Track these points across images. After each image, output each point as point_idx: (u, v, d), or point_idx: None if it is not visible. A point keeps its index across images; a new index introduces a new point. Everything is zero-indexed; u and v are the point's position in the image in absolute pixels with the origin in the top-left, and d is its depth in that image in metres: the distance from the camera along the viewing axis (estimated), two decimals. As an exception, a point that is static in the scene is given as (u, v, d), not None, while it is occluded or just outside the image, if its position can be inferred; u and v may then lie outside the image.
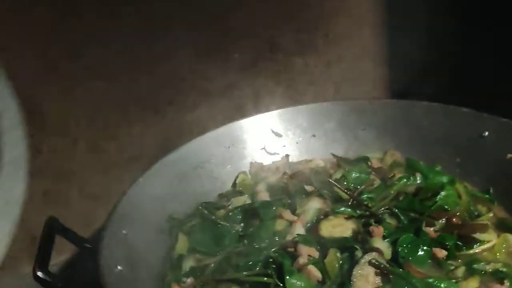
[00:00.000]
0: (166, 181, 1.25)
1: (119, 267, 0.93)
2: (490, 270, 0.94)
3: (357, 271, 0.94)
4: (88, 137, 1.68)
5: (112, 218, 1.03)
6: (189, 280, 1.03)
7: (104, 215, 1.69)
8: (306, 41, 1.95)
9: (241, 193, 1.29)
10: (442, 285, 0.89)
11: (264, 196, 1.24)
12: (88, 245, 0.98)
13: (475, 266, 0.96)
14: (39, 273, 0.79)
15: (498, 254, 0.99)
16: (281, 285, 0.94)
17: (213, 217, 1.19)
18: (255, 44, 1.84)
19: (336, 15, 1.95)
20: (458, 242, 1.01)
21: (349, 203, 1.14)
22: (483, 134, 1.21)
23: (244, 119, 1.45)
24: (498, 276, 0.93)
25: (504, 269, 0.94)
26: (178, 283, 1.03)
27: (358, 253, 0.98)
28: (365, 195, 1.16)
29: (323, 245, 1.03)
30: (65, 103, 1.61)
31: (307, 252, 1.01)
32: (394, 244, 1.01)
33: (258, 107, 1.64)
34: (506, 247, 1.00)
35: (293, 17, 1.84)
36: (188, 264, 1.08)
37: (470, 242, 1.01)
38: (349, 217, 1.10)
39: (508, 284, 0.90)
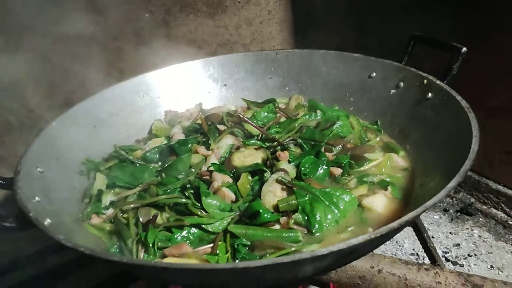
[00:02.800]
0: (81, 126, 1.26)
1: (36, 198, 0.95)
2: (377, 180, 1.11)
3: (266, 188, 1.05)
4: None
5: (26, 156, 1.03)
6: (109, 211, 1.08)
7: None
8: (216, 3, 2.03)
9: (157, 136, 1.34)
10: (337, 193, 1.03)
11: (180, 137, 1.30)
12: (1, 181, 0.98)
13: (364, 179, 1.12)
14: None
15: (383, 168, 1.16)
16: (199, 205, 1.02)
17: (130, 157, 1.24)
18: (164, 3, 1.88)
19: (243, -21, 2.05)
20: (351, 161, 1.16)
21: (259, 138, 1.25)
22: (371, 75, 1.38)
23: (158, 69, 1.49)
24: (383, 184, 1.09)
25: (388, 179, 1.11)
26: (97, 214, 1.07)
27: (267, 175, 1.09)
28: (272, 129, 1.28)
29: (236, 174, 1.13)
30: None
31: (221, 178, 1.10)
32: (298, 167, 1.13)
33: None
34: (390, 163, 1.17)
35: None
36: (108, 198, 1.11)
37: (361, 160, 1.17)
38: (258, 148, 1.21)
39: (391, 188, 1.07)
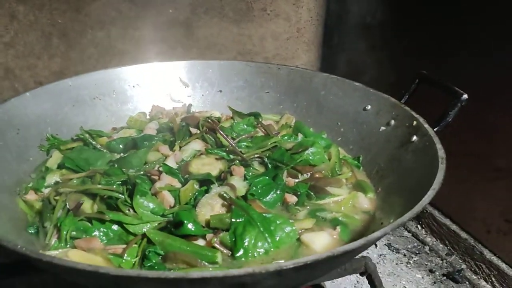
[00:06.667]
0: (57, 102, 1.26)
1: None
2: (330, 218, 1.01)
3: (205, 200, 0.99)
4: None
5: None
6: (46, 190, 1.06)
7: None
8: (244, 11, 1.99)
9: (130, 128, 1.32)
10: (278, 221, 0.94)
11: (151, 132, 1.27)
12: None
13: (318, 213, 1.02)
14: None
15: (343, 207, 1.05)
16: (130, 203, 0.96)
17: (94, 142, 1.22)
18: (191, 2, 1.87)
19: (276, -9, 2.01)
20: (309, 192, 1.07)
21: (227, 149, 1.19)
22: (366, 107, 1.28)
23: (153, 62, 1.47)
24: (334, 223, 0.99)
25: (342, 219, 1.00)
26: (36, 191, 1.05)
27: (213, 186, 1.03)
28: (243, 143, 1.21)
29: (187, 180, 1.07)
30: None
31: (168, 181, 1.04)
32: (253, 186, 1.05)
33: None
34: (353, 203, 1.07)
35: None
36: (53, 178, 1.09)
37: (322, 193, 1.07)
38: (220, 158, 1.14)
39: (340, 229, 0.97)
